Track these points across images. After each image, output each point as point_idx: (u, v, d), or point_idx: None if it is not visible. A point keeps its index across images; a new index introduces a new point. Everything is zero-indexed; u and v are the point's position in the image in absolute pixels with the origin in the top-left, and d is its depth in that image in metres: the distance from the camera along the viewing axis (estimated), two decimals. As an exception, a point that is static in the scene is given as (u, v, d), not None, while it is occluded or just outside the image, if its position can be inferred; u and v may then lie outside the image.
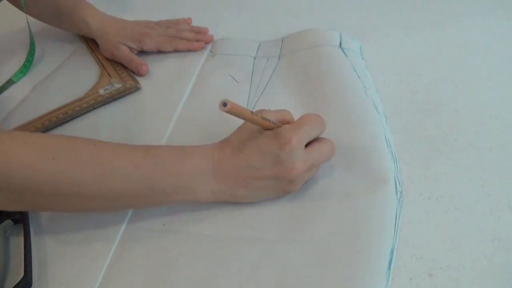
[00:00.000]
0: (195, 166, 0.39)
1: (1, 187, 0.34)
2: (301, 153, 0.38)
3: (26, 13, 0.65)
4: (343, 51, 0.56)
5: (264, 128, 0.39)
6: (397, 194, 0.41)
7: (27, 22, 0.61)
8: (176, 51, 0.61)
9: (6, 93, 0.58)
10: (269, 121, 0.38)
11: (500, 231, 0.38)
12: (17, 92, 0.58)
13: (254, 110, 0.39)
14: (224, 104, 0.34)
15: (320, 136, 0.42)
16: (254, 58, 0.59)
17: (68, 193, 0.36)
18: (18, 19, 0.66)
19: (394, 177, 0.42)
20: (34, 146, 0.36)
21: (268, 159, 0.38)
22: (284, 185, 0.40)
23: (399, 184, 0.42)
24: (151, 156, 0.38)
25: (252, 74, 0.56)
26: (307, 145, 0.39)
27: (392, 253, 0.37)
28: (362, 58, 0.57)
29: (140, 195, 0.38)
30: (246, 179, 0.39)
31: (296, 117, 0.42)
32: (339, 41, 0.58)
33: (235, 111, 0.35)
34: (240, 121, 0.40)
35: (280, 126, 0.39)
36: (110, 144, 0.39)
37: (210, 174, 0.39)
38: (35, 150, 0.35)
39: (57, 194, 0.36)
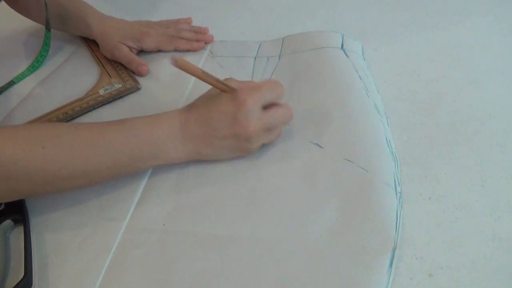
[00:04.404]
0: (166, 132, 0.42)
1: None
2: (256, 113, 0.41)
3: (27, 16, 0.65)
4: (344, 52, 0.56)
5: (220, 89, 0.42)
6: (397, 194, 0.41)
7: (47, 18, 0.60)
8: (176, 50, 0.61)
9: (6, 93, 0.58)
10: (223, 83, 0.41)
11: (500, 231, 0.38)
12: (17, 92, 0.58)
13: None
14: (176, 61, 0.38)
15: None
16: (255, 58, 0.59)
17: (58, 177, 0.39)
18: (17, 21, 0.66)
19: (394, 178, 0.42)
20: (24, 139, 0.38)
21: (226, 118, 0.41)
22: (242, 144, 0.43)
23: (399, 185, 0.42)
24: (127, 129, 0.42)
25: (252, 74, 0.56)
26: (265, 108, 0.43)
27: (393, 253, 0.37)
28: (364, 59, 0.57)
29: (121, 165, 0.42)
30: (209, 138, 0.43)
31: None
32: (341, 43, 0.58)
33: (185, 68, 0.39)
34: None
35: (234, 89, 0.42)
36: (88, 124, 0.42)
37: (179, 136, 0.42)
38: (25, 143, 0.38)
39: (48, 180, 0.39)
